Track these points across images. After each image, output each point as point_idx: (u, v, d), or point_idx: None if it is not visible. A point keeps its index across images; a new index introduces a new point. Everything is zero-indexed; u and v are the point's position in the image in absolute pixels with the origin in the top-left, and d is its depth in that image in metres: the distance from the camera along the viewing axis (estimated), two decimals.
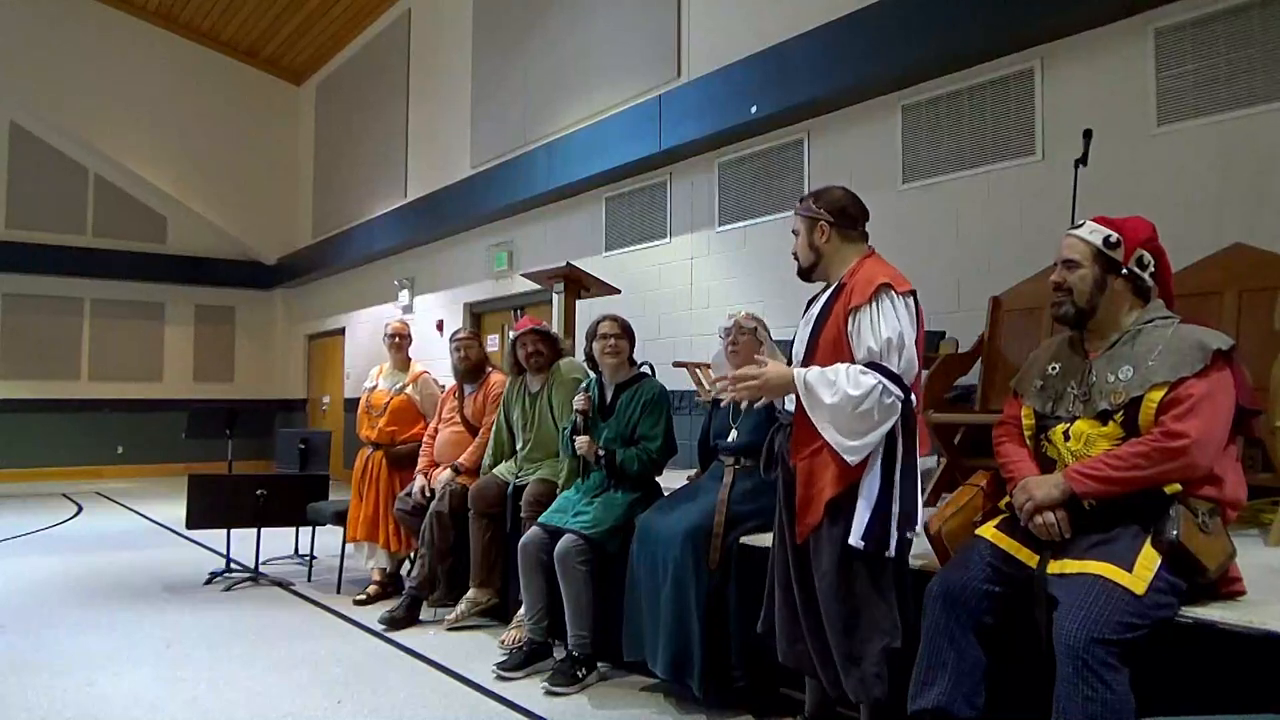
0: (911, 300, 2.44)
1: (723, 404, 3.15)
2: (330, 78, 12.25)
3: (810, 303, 2.65)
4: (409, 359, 5.19)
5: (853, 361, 2.37)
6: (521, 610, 3.72)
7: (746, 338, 3.11)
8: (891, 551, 2.35)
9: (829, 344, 2.45)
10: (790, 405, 2.54)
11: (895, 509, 2.35)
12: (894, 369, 2.33)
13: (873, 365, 2.33)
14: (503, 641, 3.74)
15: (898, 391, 2.32)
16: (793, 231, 2.64)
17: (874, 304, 2.38)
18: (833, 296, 2.51)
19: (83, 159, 12.20)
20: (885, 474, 2.36)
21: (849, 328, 2.41)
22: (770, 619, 2.72)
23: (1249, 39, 3.86)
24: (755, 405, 2.90)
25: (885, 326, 2.35)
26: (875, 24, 5.02)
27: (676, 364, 5.30)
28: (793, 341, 2.66)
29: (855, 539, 2.34)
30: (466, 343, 4.64)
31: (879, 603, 2.38)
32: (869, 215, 2.61)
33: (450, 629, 4.07)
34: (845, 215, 2.56)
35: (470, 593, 4.10)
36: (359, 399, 5.20)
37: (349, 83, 11.66)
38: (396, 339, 5.10)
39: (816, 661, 2.54)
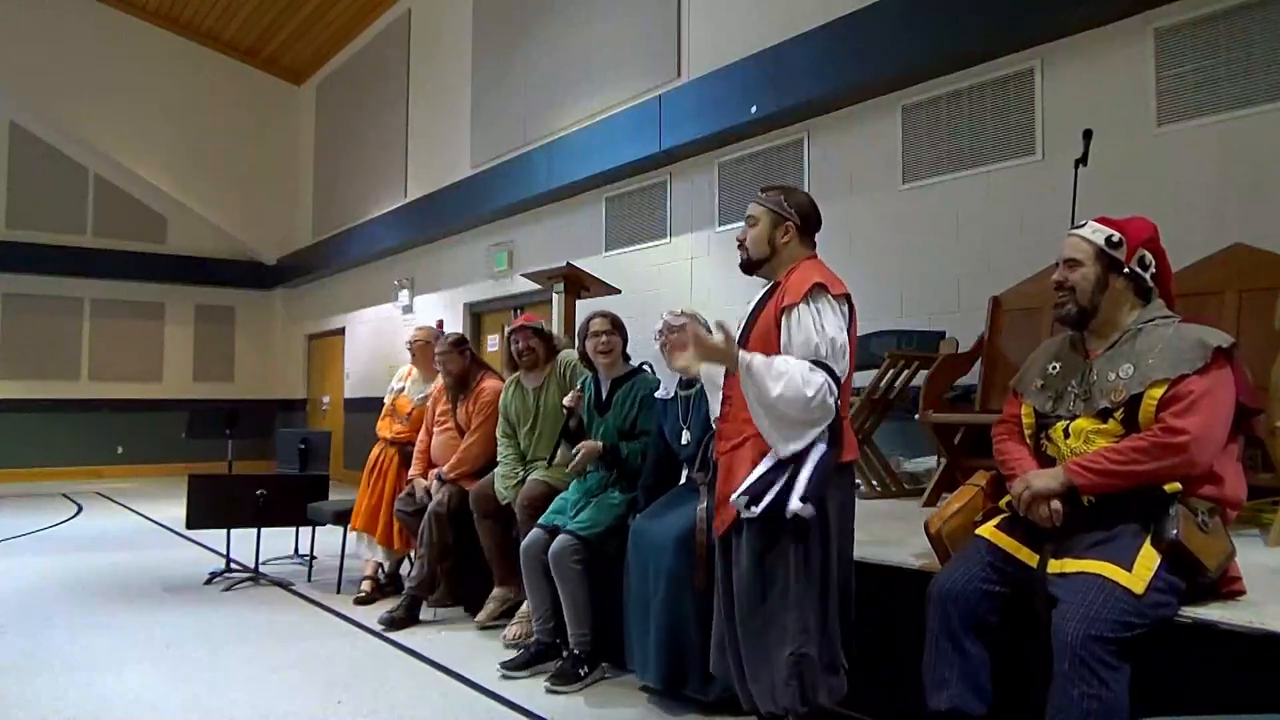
0: (845, 305, 2.41)
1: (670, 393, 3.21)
2: (330, 78, 12.25)
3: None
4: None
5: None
6: (524, 606, 3.76)
7: (678, 335, 3.16)
8: (793, 512, 2.25)
9: (758, 340, 2.43)
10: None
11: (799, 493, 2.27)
12: (838, 371, 2.30)
13: (819, 364, 2.28)
14: (505, 637, 3.77)
15: (836, 394, 2.29)
16: (747, 219, 2.55)
17: (809, 303, 2.34)
18: (767, 294, 2.51)
19: (83, 159, 12.19)
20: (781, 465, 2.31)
21: (782, 326, 2.36)
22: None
23: (1249, 39, 3.86)
24: (677, 370, 2.80)
25: (830, 327, 2.32)
26: (875, 24, 5.03)
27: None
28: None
29: (752, 508, 2.27)
30: (445, 357, 4.52)
31: (791, 605, 2.30)
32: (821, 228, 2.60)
33: (482, 628, 4.07)
34: (810, 222, 2.54)
35: (496, 591, 4.13)
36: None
37: (349, 83, 11.66)
38: (415, 349, 5.06)
39: (734, 672, 2.49)
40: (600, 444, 3.53)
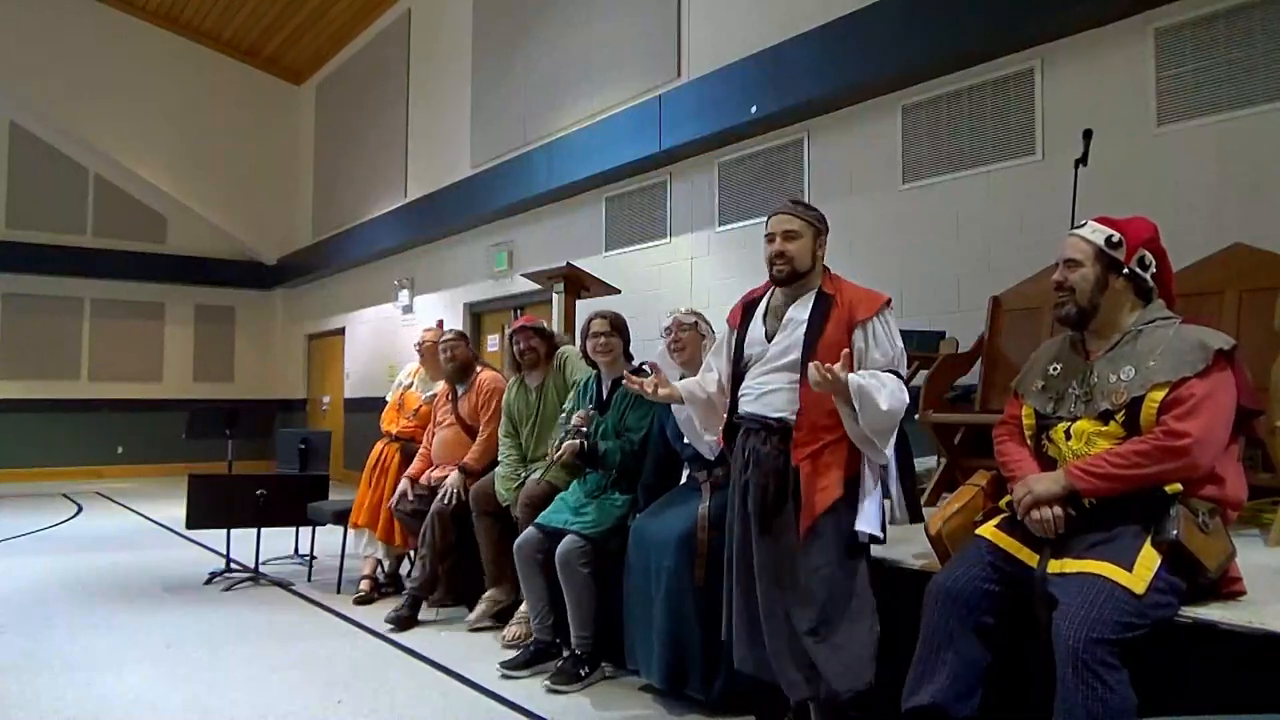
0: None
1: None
2: (330, 78, 12.25)
3: (757, 306, 2.72)
4: None
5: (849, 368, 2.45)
6: (523, 607, 3.75)
7: (689, 333, 3.25)
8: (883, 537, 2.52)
9: (828, 350, 2.47)
10: (754, 407, 2.59)
11: (894, 499, 2.55)
12: (904, 377, 2.51)
13: (893, 373, 2.49)
14: (504, 638, 3.76)
15: None
16: (788, 233, 2.58)
17: (881, 317, 2.54)
18: (822, 306, 2.56)
19: (83, 159, 12.19)
20: (875, 469, 2.52)
21: (856, 338, 2.51)
22: (730, 625, 2.71)
23: (1249, 39, 3.86)
24: (660, 400, 2.93)
25: (898, 339, 2.55)
26: (875, 24, 5.03)
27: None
28: (737, 345, 2.71)
29: (870, 526, 2.44)
30: (452, 344, 4.61)
31: (868, 590, 2.50)
32: None
33: (472, 630, 4.05)
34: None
35: (489, 592, 4.09)
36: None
37: (349, 83, 11.66)
38: (424, 350, 5.09)
39: (785, 662, 2.53)
40: (578, 442, 3.53)
